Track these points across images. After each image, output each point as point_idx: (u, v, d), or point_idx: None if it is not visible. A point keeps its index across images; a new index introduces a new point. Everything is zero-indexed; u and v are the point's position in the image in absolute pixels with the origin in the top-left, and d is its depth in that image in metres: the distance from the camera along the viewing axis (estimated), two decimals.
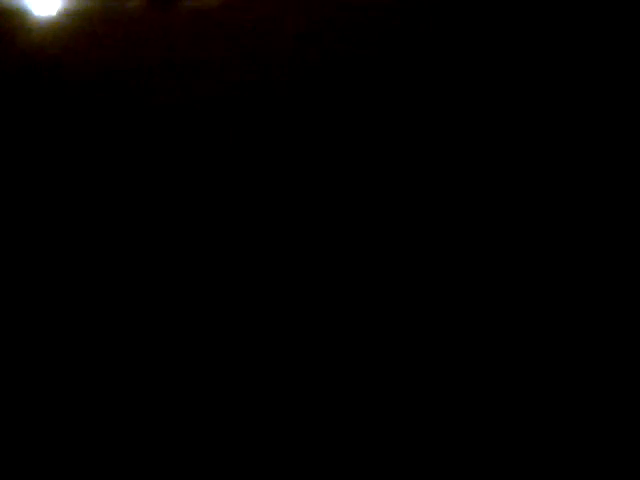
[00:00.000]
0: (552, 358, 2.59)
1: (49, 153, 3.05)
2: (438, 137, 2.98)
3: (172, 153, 3.01)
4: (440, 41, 3.11)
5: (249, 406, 2.47)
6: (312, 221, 2.85)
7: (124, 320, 2.67)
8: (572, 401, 2.48)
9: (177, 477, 2.30)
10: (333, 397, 2.50)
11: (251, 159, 2.99)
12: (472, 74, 3.08)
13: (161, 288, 2.74)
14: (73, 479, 2.28)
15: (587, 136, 2.95)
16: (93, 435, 2.38)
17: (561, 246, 2.82)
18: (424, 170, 2.95)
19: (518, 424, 2.43)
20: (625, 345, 2.60)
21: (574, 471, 2.33)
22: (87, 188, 2.99)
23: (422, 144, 2.95)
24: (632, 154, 2.91)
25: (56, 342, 2.62)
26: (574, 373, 2.55)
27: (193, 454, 2.35)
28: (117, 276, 2.76)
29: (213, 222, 2.88)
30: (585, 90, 2.99)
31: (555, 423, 2.43)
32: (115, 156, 3.04)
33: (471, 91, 3.04)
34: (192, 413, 2.45)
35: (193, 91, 3.11)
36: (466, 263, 2.79)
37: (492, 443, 2.38)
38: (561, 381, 2.53)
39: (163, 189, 2.93)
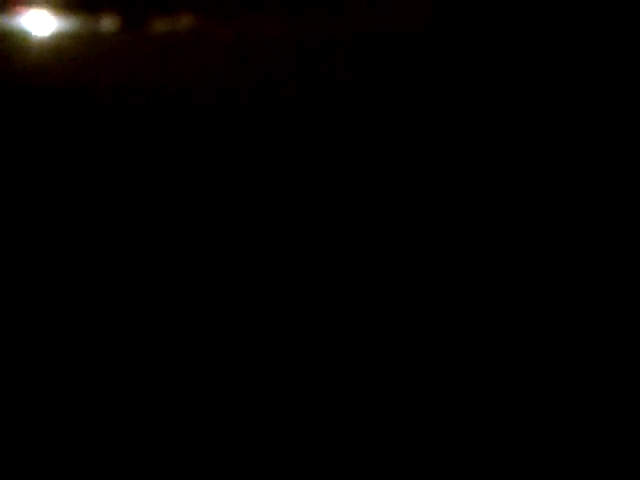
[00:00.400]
0: (552, 358, 2.60)
1: (39, 162, 3.05)
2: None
3: (139, 162, 3.02)
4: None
5: (249, 406, 2.47)
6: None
7: (119, 321, 2.67)
8: (572, 401, 2.49)
9: (177, 477, 2.29)
10: (333, 397, 2.50)
11: (209, 175, 2.99)
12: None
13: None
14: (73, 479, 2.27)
15: (587, 140, 2.98)
16: (93, 435, 2.37)
17: (561, 246, 2.84)
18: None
19: (518, 424, 2.44)
20: (625, 345, 2.61)
21: (574, 471, 2.34)
22: (80, 190, 2.98)
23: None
24: (632, 154, 2.94)
25: (56, 342, 2.61)
26: (574, 373, 2.56)
27: (193, 454, 2.34)
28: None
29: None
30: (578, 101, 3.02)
31: (555, 423, 2.44)
32: (93, 162, 3.05)
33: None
34: (192, 413, 2.44)
35: (161, 107, 3.13)
36: (466, 263, 2.80)
37: (492, 443, 2.39)
38: (561, 381, 2.54)
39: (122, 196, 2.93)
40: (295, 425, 2.41)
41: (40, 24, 3.34)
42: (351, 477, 2.28)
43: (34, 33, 3.32)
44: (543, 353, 2.62)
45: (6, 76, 3.32)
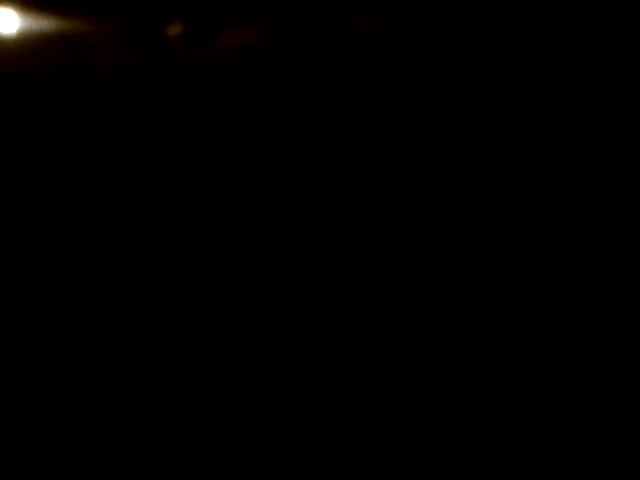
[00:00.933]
0: (552, 358, 2.59)
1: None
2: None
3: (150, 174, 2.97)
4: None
5: (249, 406, 2.43)
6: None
7: (116, 320, 2.62)
8: (572, 401, 2.48)
9: (177, 477, 2.24)
10: (333, 397, 2.47)
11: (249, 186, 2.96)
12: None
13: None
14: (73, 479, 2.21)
15: (587, 140, 2.97)
16: (93, 435, 2.32)
17: (561, 246, 2.83)
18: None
19: (518, 424, 2.42)
20: (625, 345, 2.61)
21: (574, 471, 2.32)
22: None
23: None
24: (632, 154, 2.93)
25: (56, 342, 2.56)
26: (574, 373, 2.55)
27: (193, 454, 2.29)
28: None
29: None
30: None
31: (555, 423, 2.43)
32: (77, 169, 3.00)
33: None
34: (192, 413, 2.40)
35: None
36: (466, 263, 2.79)
37: (492, 443, 2.37)
38: (561, 381, 2.53)
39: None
40: (295, 425, 2.39)
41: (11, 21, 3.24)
42: (351, 477, 2.26)
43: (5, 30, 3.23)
44: (543, 353, 2.61)
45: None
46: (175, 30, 3.14)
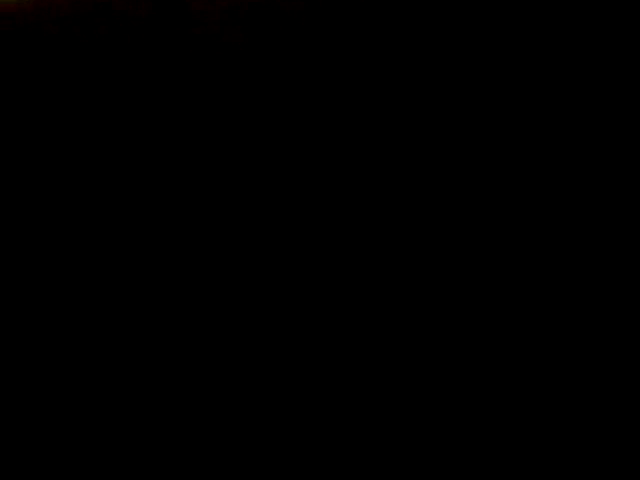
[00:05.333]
0: (552, 358, 2.59)
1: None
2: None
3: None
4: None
5: (249, 406, 2.45)
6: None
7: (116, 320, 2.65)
8: (572, 401, 2.49)
9: (177, 477, 2.28)
10: (333, 397, 2.49)
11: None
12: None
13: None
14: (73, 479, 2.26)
15: (587, 138, 2.95)
16: (93, 435, 2.36)
17: (561, 246, 2.83)
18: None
19: (518, 424, 2.43)
20: (625, 345, 2.61)
21: (574, 471, 2.33)
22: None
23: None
24: (632, 154, 2.92)
25: (56, 342, 2.59)
26: (574, 373, 2.56)
27: (193, 454, 2.33)
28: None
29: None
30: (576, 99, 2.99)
31: (555, 423, 2.43)
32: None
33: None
34: (192, 413, 2.43)
35: None
36: (466, 262, 2.79)
37: (492, 443, 2.38)
38: (561, 381, 2.54)
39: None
40: (295, 425, 2.40)
41: None
42: (351, 477, 2.28)
43: None
44: (543, 353, 2.61)
45: None
46: None
